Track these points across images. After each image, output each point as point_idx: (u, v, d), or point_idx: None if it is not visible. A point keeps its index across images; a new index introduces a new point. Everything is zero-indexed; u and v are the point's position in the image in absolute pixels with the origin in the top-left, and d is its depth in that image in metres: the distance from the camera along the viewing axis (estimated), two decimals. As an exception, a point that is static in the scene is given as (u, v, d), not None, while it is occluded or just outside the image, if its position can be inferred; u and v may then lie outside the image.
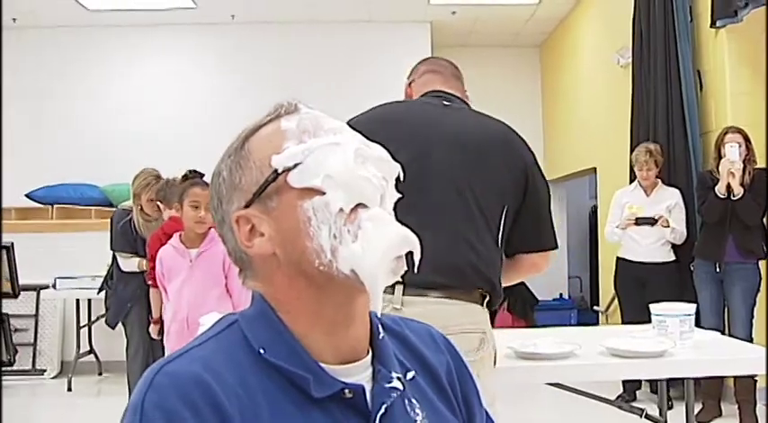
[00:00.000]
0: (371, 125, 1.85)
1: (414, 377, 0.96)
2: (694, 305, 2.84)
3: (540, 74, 9.08)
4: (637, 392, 5.04)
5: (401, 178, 0.94)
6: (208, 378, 0.81)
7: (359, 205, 0.87)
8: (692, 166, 4.92)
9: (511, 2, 7.43)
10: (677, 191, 4.82)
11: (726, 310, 4.46)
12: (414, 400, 0.93)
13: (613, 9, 6.52)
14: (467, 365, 1.08)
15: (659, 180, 4.86)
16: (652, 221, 4.69)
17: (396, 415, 0.89)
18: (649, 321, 2.85)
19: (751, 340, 4.18)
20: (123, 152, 6.89)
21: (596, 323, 6.82)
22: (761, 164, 4.42)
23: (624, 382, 4.95)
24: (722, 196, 4.25)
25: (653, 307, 2.84)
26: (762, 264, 4.38)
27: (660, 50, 5.17)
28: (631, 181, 5.20)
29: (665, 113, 5.12)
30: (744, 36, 4.76)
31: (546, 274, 8.31)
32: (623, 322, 4.89)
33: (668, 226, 4.68)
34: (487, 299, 1.99)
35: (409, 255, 0.90)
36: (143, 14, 7.32)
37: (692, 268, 4.63)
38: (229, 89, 7.64)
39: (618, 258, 5.01)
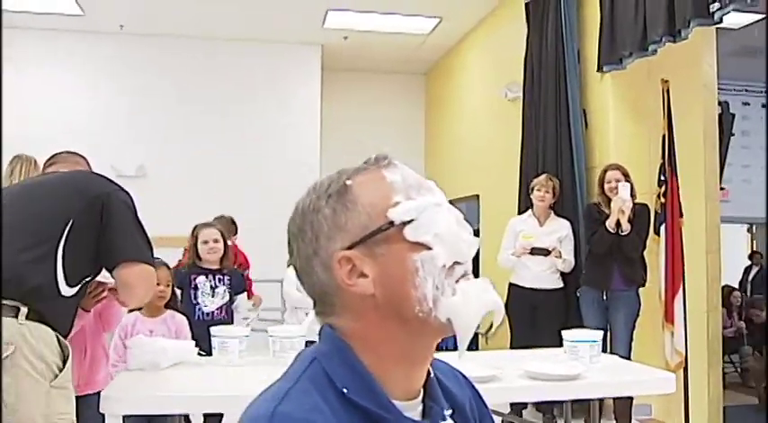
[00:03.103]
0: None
1: (452, 414, 1.05)
2: (602, 332, 3.09)
3: (424, 101, 9.40)
4: (523, 411, 5.31)
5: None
6: (320, 417, 0.88)
7: (455, 263, 0.97)
8: (579, 199, 5.27)
9: (403, 30, 7.69)
10: (568, 222, 5.14)
11: (608, 333, 4.80)
12: None
13: (502, 45, 6.88)
14: (482, 398, 1.18)
15: (552, 211, 5.18)
16: (546, 252, 5.00)
17: None
18: (536, 345, 3.04)
19: (629, 360, 4.55)
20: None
21: (476, 345, 7.09)
22: (640, 199, 4.81)
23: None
24: (612, 231, 4.59)
25: (565, 333, 3.07)
26: (641, 290, 4.77)
27: (551, 89, 5.54)
28: (519, 210, 5.51)
29: (554, 148, 5.47)
30: (627, 82, 5.19)
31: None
32: (512, 345, 5.14)
33: (560, 256, 5.00)
34: (27, 311, 2.10)
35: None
36: (26, 17, 7.02)
37: (578, 294, 4.96)
38: (116, 99, 7.46)
39: (510, 284, 5.27)
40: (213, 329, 3.08)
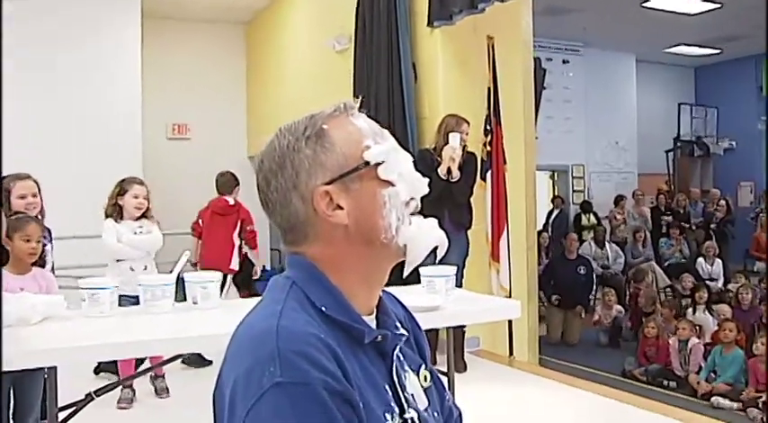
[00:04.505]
0: None
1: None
2: (455, 267, 3.38)
3: (245, 51, 9.32)
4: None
5: None
6: (314, 329, 1.02)
7: (411, 198, 1.16)
8: (411, 148, 5.55)
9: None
10: (403, 170, 5.40)
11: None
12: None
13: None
14: (413, 315, 1.36)
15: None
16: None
17: (399, 355, 1.17)
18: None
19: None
20: None
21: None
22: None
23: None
24: (443, 178, 4.90)
25: (422, 269, 3.31)
26: (469, 233, 5.15)
27: (383, 42, 5.73)
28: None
29: (386, 99, 5.69)
30: (455, 37, 5.50)
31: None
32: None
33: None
34: None
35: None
36: None
37: (412, 238, 5.25)
38: None
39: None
40: (81, 282, 3.01)
